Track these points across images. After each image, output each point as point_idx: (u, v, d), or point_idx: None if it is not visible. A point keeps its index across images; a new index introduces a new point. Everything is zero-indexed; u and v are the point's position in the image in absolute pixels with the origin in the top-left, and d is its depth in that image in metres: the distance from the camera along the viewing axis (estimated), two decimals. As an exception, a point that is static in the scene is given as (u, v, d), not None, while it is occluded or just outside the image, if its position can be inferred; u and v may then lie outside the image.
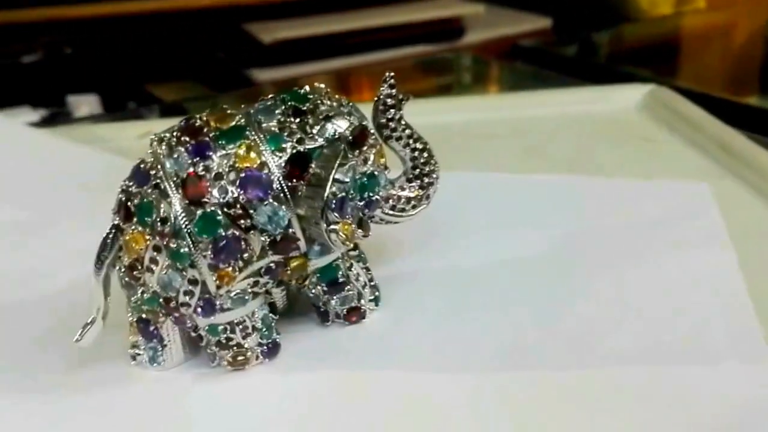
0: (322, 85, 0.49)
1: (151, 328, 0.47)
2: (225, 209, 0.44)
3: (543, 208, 0.65)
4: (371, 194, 0.48)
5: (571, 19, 1.32)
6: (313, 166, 0.45)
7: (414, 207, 0.51)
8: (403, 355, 0.48)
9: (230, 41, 1.36)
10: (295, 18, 1.37)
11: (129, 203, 0.45)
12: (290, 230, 0.45)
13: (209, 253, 0.44)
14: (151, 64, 1.33)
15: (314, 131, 0.46)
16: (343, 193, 0.45)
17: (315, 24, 1.35)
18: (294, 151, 0.45)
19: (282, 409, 0.45)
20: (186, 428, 0.44)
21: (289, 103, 0.46)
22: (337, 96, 0.49)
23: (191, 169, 0.44)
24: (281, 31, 1.31)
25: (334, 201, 0.45)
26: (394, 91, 0.49)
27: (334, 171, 0.45)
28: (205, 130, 0.45)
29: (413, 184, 0.51)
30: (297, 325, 0.52)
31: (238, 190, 0.44)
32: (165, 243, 0.44)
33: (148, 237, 0.44)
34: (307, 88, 0.48)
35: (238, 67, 1.31)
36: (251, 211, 0.44)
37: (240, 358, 0.47)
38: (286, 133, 0.45)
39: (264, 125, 0.45)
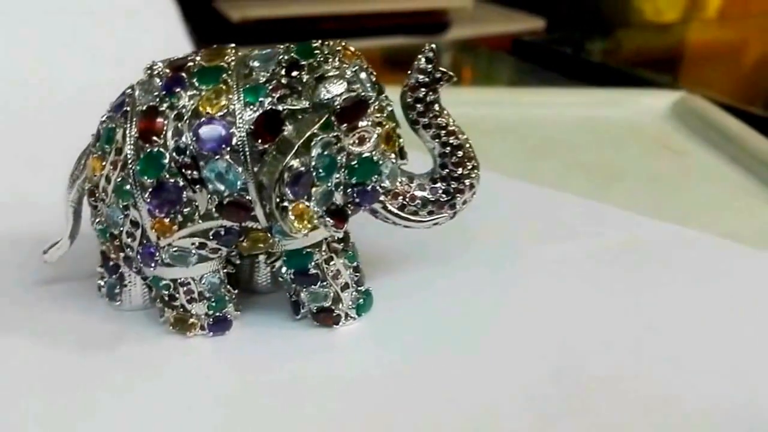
0: (343, 43, 0.43)
1: (111, 263, 0.46)
2: (174, 154, 0.40)
3: (622, 255, 0.53)
4: (365, 182, 0.42)
5: (567, 21, 1.26)
6: (285, 129, 0.40)
7: (431, 213, 0.45)
8: (358, 384, 0.41)
9: (197, 16, 1.26)
10: (267, -4, 1.30)
11: (100, 126, 0.43)
12: (246, 196, 0.40)
13: (147, 196, 0.41)
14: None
15: (302, 91, 0.40)
16: (303, 168, 0.40)
17: (288, 5, 1.27)
18: (269, 108, 0.40)
19: (193, 397, 0.41)
20: (84, 376, 0.42)
21: (291, 55, 0.41)
22: (355, 59, 0.42)
23: (154, 103, 0.41)
24: (252, 10, 1.23)
25: (289, 174, 0.40)
26: (429, 66, 0.43)
27: (302, 140, 0.39)
28: (189, 65, 0.41)
29: (437, 186, 0.45)
30: (267, 310, 0.47)
31: (192, 136, 0.40)
32: (114, 175, 0.42)
33: (103, 164, 0.42)
34: (330, 44, 0.43)
35: (203, 44, 1.20)
36: (201, 163, 0.40)
37: (181, 322, 0.45)
38: (270, 87, 0.40)
39: (254, 74, 0.41)
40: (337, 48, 0.42)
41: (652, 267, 0.52)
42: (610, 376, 0.41)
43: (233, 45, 0.43)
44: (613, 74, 1.03)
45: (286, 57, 0.41)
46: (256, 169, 0.40)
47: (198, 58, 0.42)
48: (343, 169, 0.41)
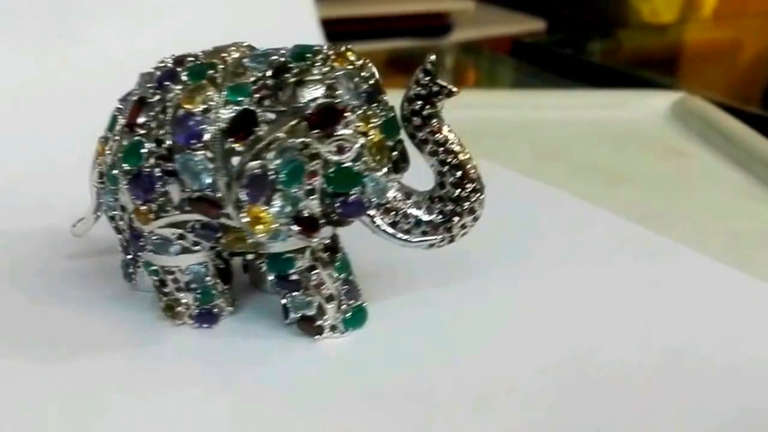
0: (343, 48, 0.41)
1: (124, 244, 0.46)
2: (153, 144, 0.41)
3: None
4: (347, 193, 0.40)
5: (567, 22, 1.27)
6: (260, 130, 0.39)
7: (425, 234, 0.42)
8: (336, 394, 0.40)
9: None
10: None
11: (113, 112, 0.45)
12: (216, 193, 0.40)
13: (126, 183, 0.42)
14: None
15: (281, 93, 0.39)
16: (260, 171, 0.38)
17: None
18: (246, 108, 0.39)
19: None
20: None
21: (284, 57, 0.41)
22: (346, 65, 0.40)
23: (145, 94, 0.42)
24: None
25: (246, 176, 0.39)
26: (427, 79, 0.40)
27: (263, 143, 0.38)
28: (188, 59, 0.42)
29: (433, 205, 0.42)
30: (267, 311, 0.46)
31: (170, 129, 0.40)
32: (109, 160, 0.43)
33: (104, 149, 0.44)
34: (328, 47, 0.41)
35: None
36: (176, 156, 0.40)
37: (170, 309, 0.45)
38: (254, 88, 0.40)
39: (247, 73, 0.40)
40: (330, 53, 0.41)
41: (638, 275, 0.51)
42: (613, 384, 0.41)
43: (247, 44, 0.43)
44: (612, 75, 1.03)
45: (280, 59, 0.40)
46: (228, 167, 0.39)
47: (200, 54, 0.42)
48: (318, 177, 0.39)
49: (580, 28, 1.27)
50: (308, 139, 0.39)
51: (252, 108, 0.39)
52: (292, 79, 0.39)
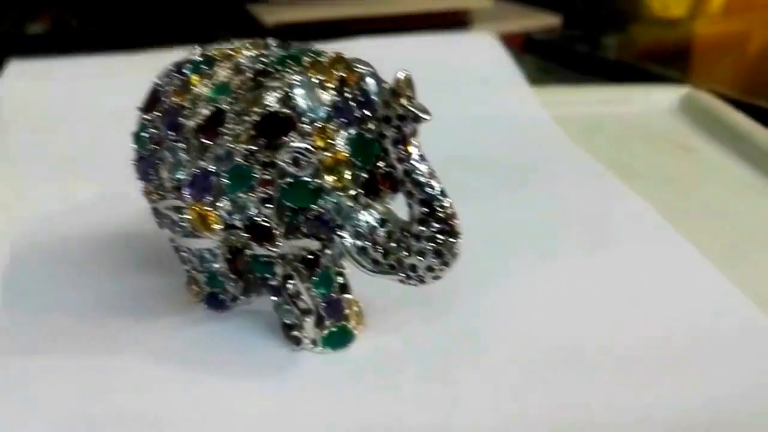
0: (333, 53, 0.40)
1: None
2: (153, 130, 0.42)
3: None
4: (306, 208, 0.38)
5: (582, 17, 1.29)
6: (222, 131, 0.38)
7: (393, 268, 0.38)
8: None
9: (232, 20, 1.32)
10: (299, 1, 1.33)
11: None
12: None
13: (133, 162, 0.44)
14: (155, 41, 1.28)
15: (247, 97, 0.39)
16: (198, 171, 0.39)
17: (319, 9, 1.31)
18: (217, 107, 0.39)
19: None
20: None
21: (268, 61, 0.40)
22: (315, 73, 0.39)
23: (160, 83, 0.43)
24: (284, 14, 1.27)
25: (187, 173, 0.39)
26: (392, 99, 0.36)
27: (211, 144, 0.38)
28: (202, 54, 0.43)
29: (403, 240, 0.38)
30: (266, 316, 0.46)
31: (159, 118, 0.42)
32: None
33: None
34: (313, 52, 0.41)
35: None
36: (162, 145, 0.41)
37: (188, 285, 0.47)
38: (234, 89, 0.39)
39: (245, 72, 0.40)
40: (307, 58, 0.39)
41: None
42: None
43: (277, 42, 0.43)
44: (624, 70, 1.03)
45: (268, 62, 0.40)
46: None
47: (215, 50, 0.42)
48: (272, 187, 0.38)
49: (594, 23, 1.28)
50: (253, 147, 0.38)
51: (224, 108, 0.39)
52: (264, 83, 0.38)
